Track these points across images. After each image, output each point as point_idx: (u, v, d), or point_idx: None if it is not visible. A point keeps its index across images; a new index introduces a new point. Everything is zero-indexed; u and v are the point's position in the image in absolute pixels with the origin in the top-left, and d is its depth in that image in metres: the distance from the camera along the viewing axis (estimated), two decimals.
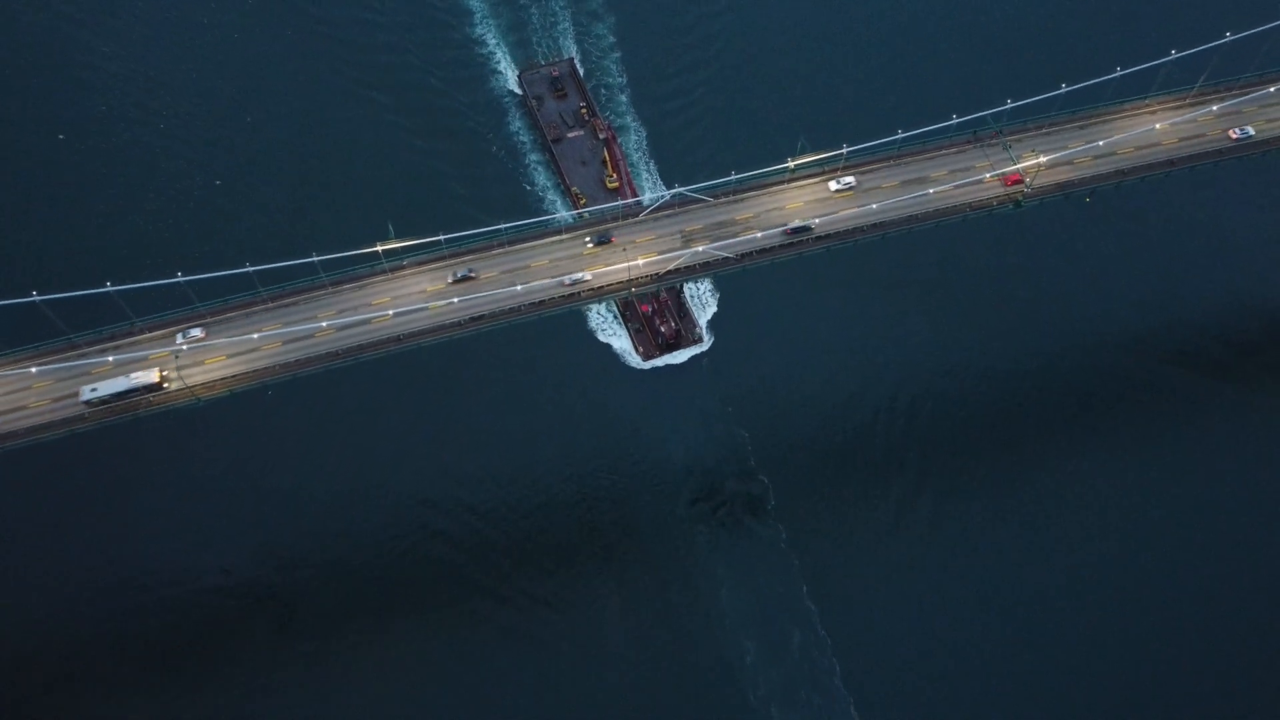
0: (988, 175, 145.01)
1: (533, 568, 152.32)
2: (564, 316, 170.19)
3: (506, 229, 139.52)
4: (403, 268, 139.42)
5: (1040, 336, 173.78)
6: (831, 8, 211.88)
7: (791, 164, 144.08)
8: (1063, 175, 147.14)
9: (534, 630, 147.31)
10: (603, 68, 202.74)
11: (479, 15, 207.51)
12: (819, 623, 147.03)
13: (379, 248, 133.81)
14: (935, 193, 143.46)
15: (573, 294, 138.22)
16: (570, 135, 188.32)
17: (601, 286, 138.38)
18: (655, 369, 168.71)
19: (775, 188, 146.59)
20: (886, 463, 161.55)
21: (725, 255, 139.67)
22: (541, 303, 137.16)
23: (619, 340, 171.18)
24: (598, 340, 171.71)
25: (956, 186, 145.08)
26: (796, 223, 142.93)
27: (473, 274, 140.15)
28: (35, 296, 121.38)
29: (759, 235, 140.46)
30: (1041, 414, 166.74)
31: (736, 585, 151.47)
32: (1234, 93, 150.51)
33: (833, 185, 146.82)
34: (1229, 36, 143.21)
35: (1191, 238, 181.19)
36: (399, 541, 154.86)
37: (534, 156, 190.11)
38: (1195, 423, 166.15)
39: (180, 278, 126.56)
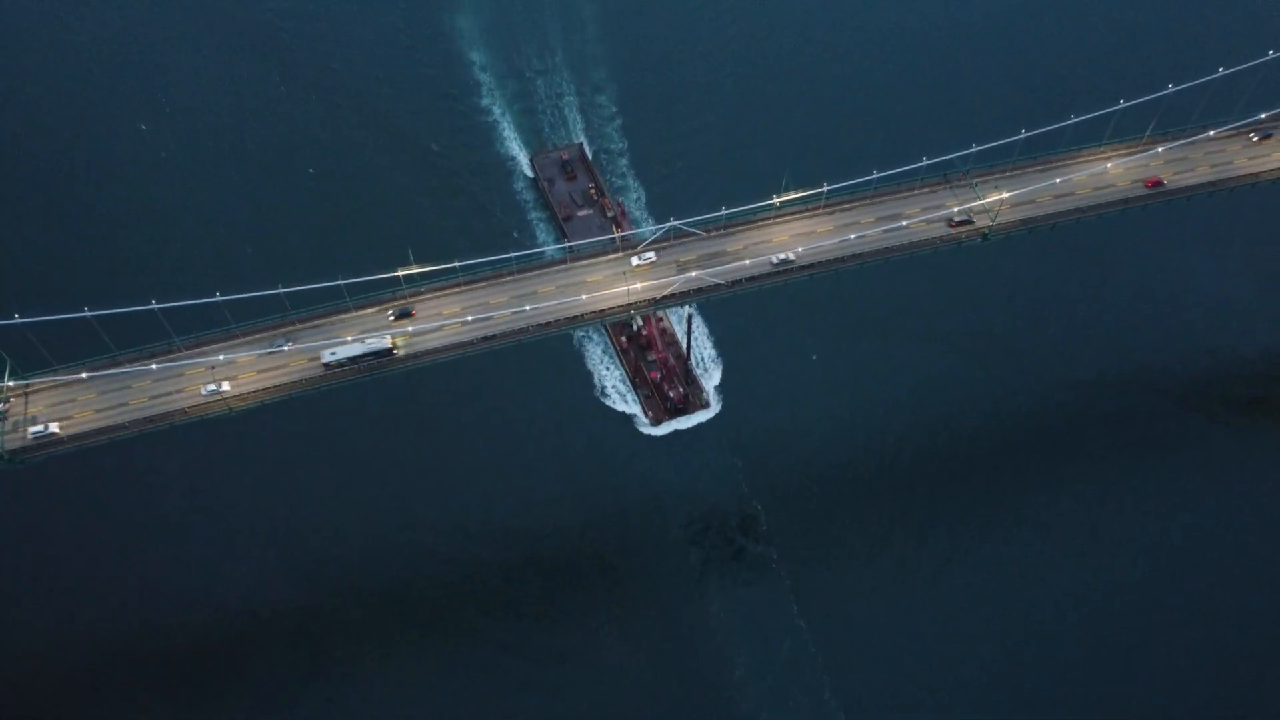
0: (955, 211, 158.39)
1: (538, 593, 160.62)
2: (579, 387, 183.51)
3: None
4: (421, 293, 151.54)
5: (1024, 370, 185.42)
6: (812, 62, 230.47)
7: (777, 201, 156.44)
8: (1025, 212, 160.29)
9: (539, 645, 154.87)
10: (605, 135, 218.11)
11: (489, 94, 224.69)
12: (810, 639, 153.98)
13: (400, 273, 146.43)
14: (909, 225, 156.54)
15: (576, 316, 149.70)
16: (580, 214, 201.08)
17: (603, 310, 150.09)
18: (664, 433, 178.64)
19: (762, 222, 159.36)
20: (880, 493, 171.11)
21: (717, 282, 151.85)
22: (549, 324, 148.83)
23: (630, 406, 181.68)
24: (610, 407, 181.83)
25: (928, 222, 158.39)
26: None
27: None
28: (87, 312, 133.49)
29: (747, 263, 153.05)
30: (1027, 441, 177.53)
31: (730, 603, 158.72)
32: (1180, 139, 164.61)
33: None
34: (1171, 88, 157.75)
35: (1158, 276, 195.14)
36: (410, 566, 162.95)
37: (544, 229, 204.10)
38: (1177, 451, 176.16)
39: (218, 297, 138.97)
